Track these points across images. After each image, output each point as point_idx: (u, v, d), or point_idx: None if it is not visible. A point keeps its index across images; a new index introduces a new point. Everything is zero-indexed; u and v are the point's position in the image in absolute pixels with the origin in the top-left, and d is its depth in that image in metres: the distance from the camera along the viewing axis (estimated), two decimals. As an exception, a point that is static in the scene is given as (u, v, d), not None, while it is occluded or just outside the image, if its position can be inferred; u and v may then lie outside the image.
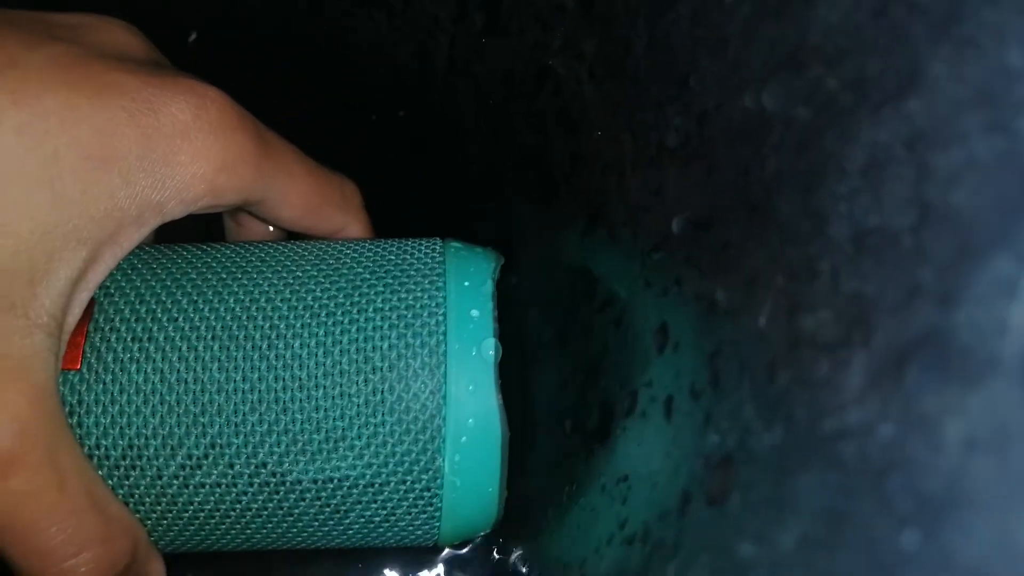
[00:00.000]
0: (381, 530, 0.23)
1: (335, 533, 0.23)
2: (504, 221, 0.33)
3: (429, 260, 0.23)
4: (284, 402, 0.21)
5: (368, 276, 0.23)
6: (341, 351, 0.21)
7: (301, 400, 0.21)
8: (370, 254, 0.24)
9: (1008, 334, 0.11)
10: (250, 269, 0.23)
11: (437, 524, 0.23)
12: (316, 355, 0.21)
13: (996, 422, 0.10)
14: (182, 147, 0.21)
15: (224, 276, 0.23)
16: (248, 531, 0.22)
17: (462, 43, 0.32)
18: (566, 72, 0.27)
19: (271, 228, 0.27)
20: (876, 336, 0.13)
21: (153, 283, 0.22)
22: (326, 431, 0.21)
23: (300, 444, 0.21)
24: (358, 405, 0.21)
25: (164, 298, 0.22)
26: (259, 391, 0.21)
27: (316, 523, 0.22)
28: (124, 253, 0.21)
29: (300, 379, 0.21)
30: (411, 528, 0.23)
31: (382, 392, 0.21)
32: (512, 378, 0.26)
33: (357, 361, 0.21)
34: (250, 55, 0.38)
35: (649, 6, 0.22)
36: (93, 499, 0.20)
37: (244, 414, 0.21)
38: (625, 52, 0.24)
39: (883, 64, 0.15)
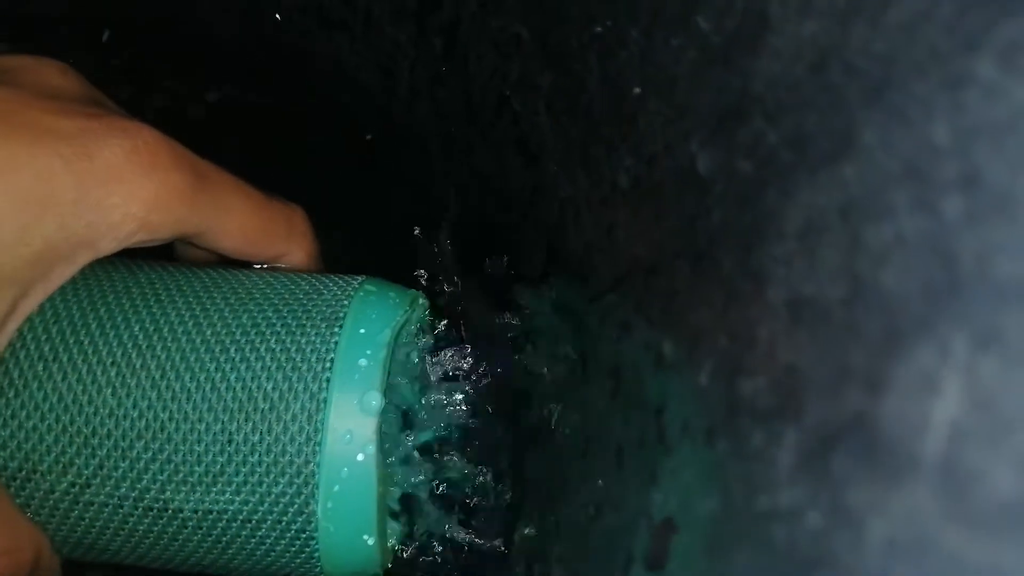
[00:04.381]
0: (265, 563, 0.23)
1: (221, 561, 0.23)
2: (468, 248, 0.33)
3: (334, 302, 0.23)
4: (169, 433, 0.22)
5: (270, 315, 0.23)
6: (228, 388, 0.22)
7: (185, 433, 0.22)
8: (282, 291, 0.24)
9: (928, 433, 0.10)
10: (163, 297, 0.23)
11: (318, 564, 0.23)
12: (204, 390, 0.22)
13: (915, 529, 0.10)
14: (116, 189, 0.21)
15: (137, 302, 0.23)
16: (139, 550, 0.23)
17: (422, 68, 0.31)
18: (523, 104, 0.26)
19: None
20: (807, 414, 0.13)
21: (72, 303, 0.23)
22: (206, 464, 0.22)
23: (182, 475, 0.22)
24: (238, 443, 0.22)
25: (76, 319, 0.22)
26: (147, 420, 0.22)
27: (201, 550, 0.23)
28: (54, 288, 0.22)
29: (186, 412, 0.22)
30: (293, 565, 0.23)
31: (262, 432, 0.22)
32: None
33: (242, 400, 0.22)
34: (218, 80, 0.37)
35: (600, 42, 0.22)
36: (1, 514, 0.21)
37: (131, 440, 0.22)
38: (579, 87, 0.23)
39: (820, 123, 0.14)
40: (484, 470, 0.25)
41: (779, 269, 0.15)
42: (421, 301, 0.26)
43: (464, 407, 0.24)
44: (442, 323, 0.26)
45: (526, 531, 0.24)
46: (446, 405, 0.24)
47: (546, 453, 0.24)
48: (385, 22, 0.31)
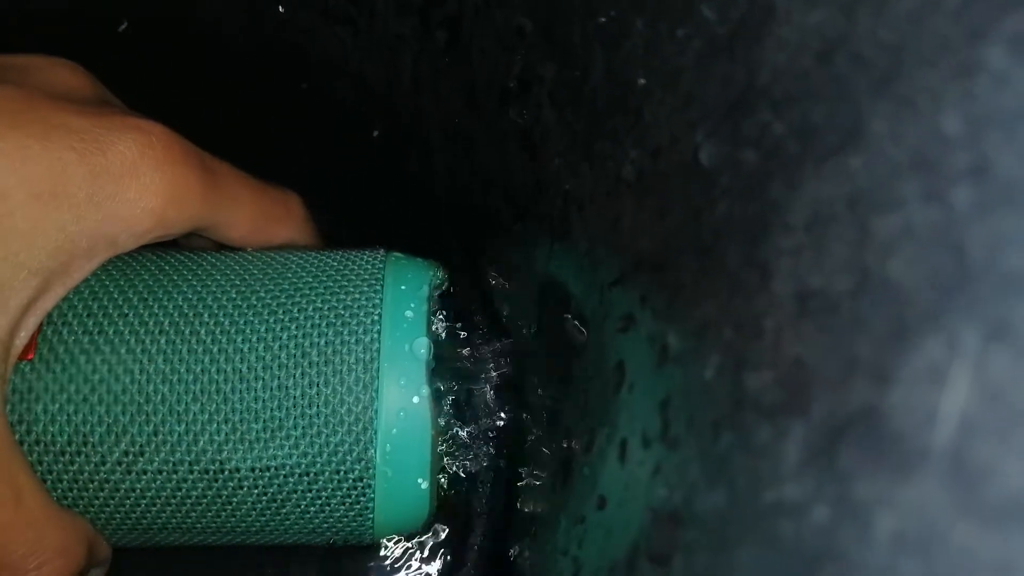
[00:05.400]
0: (317, 521, 0.23)
1: (272, 524, 0.23)
2: (473, 242, 0.33)
3: (369, 267, 0.24)
4: (225, 393, 0.22)
5: (310, 280, 0.24)
6: (280, 346, 0.22)
7: (241, 391, 0.22)
8: (315, 261, 0.25)
9: (937, 426, 0.10)
10: (200, 272, 0.24)
11: (371, 516, 0.23)
12: (257, 349, 0.22)
13: (923, 522, 0.10)
14: (131, 184, 0.21)
15: (175, 278, 0.23)
16: (189, 520, 0.23)
17: (426, 61, 0.31)
18: (526, 96, 0.26)
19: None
20: (814, 407, 0.13)
21: (107, 282, 0.23)
22: (264, 420, 0.22)
23: (239, 433, 0.22)
24: (295, 396, 0.22)
25: (116, 296, 0.23)
26: (202, 382, 0.22)
27: (254, 513, 0.23)
28: (75, 283, 0.22)
29: (241, 371, 0.22)
30: (346, 520, 0.23)
31: (318, 385, 0.22)
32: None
33: (295, 355, 0.22)
34: (219, 75, 0.37)
35: (604, 33, 0.22)
36: (48, 512, 0.21)
37: (187, 403, 0.22)
38: (583, 79, 0.23)
39: (827, 114, 0.14)
40: (485, 466, 0.25)
41: (786, 261, 0.14)
42: (440, 272, 0.26)
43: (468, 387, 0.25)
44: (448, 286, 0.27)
45: (530, 527, 0.24)
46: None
47: (550, 447, 0.24)
48: (389, 16, 0.31)
